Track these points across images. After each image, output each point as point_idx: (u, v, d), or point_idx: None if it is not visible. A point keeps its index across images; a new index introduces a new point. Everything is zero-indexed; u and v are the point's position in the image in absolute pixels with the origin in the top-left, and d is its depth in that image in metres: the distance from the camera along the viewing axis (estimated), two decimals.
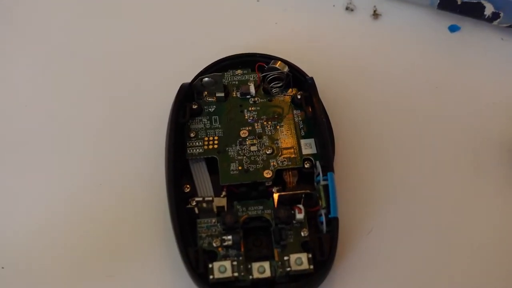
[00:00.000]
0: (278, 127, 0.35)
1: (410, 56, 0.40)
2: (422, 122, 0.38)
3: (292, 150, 0.34)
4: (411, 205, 0.35)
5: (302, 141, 0.34)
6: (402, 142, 0.37)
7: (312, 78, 0.36)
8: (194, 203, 0.32)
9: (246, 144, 0.34)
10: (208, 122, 0.35)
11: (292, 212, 0.32)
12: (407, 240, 0.34)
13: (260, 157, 0.34)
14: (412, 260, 0.33)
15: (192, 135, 0.34)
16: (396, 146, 0.37)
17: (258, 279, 0.30)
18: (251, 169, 0.33)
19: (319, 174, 0.33)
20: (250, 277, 0.30)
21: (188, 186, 0.33)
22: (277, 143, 0.34)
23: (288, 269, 0.30)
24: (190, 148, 0.34)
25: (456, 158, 0.36)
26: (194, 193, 0.33)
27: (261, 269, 0.30)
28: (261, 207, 0.32)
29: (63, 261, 0.33)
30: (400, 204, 0.35)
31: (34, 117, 0.38)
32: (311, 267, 0.30)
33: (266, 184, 0.33)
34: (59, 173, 0.36)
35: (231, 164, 0.33)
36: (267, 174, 0.33)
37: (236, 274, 0.30)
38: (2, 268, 0.32)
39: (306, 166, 0.33)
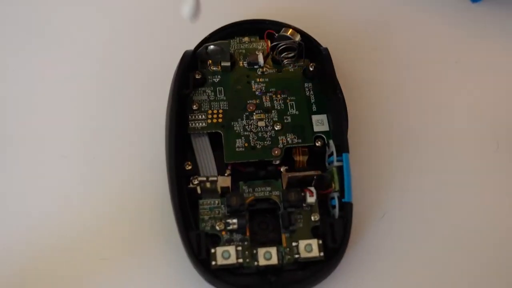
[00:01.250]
0: (288, 101, 0.32)
1: (429, 28, 0.38)
2: (442, 99, 0.35)
3: (303, 127, 0.32)
4: (426, 188, 0.32)
5: (314, 117, 0.32)
6: (419, 122, 0.34)
7: (326, 49, 0.33)
8: (196, 182, 0.30)
9: (253, 119, 0.32)
10: (212, 93, 0.33)
11: (303, 194, 0.30)
12: (422, 225, 0.31)
13: (268, 133, 0.31)
14: (429, 246, 0.31)
15: (195, 107, 0.32)
16: (413, 126, 0.34)
17: (264, 266, 0.28)
18: (258, 146, 0.31)
19: (332, 154, 0.30)
20: (256, 263, 0.28)
21: (189, 163, 0.31)
22: (287, 119, 0.32)
23: (297, 256, 0.28)
24: (193, 122, 0.32)
25: (477, 138, 0.34)
26: (196, 171, 0.31)
27: (268, 256, 0.28)
28: (268, 188, 0.30)
29: (57, 244, 0.30)
30: (415, 187, 0.32)
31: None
32: (322, 254, 0.28)
33: (274, 163, 0.31)
34: (55, 146, 0.33)
35: (237, 140, 0.31)
36: (276, 152, 0.31)
37: (240, 260, 0.28)
38: None
39: (317, 144, 0.31)
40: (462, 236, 0.31)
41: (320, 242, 0.28)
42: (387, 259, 0.30)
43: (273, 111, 0.32)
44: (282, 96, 0.33)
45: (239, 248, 0.28)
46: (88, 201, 0.31)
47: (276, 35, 0.34)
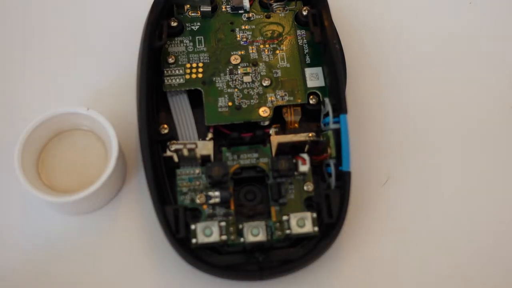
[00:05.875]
0: (277, 51, 0.30)
1: None
2: (450, 61, 0.32)
3: (295, 82, 0.29)
4: (433, 151, 0.30)
5: (307, 70, 0.29)
6: (424, 82, 0.32)
7: None
8: (173, 148, 0.27)
9: (238, 74, 0.29)
10: (191, 44, 0.30)
11: (294, 162, 0.27)
12: (429, 191, 0.29)
13: (255, 90, 0.29)
14: (437, 214, 0.28)
15: (170, 60, 0.29)
16: (418, 84, 0.32)
17: (251, 244, 0.26)
18: (243, 106, 0.28)
19: (328, 114, 0.27)
20: (242, 240, 0.26)
21: (165, 126, 0.28)
22: (276, 73, 0.29)
23: (288, 231, 0.26)
24: (169, 78, 0.29)
25: (488, 92, 0.31)
26: (173, 135, 0.28)
27: (255, 232, 0.26)
28: (256, 155, 0.28)
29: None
30: (421, 150, 0.30)
31: None
32: (316, 229, 0.26)
33: (262, 124, 0.28)
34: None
35: (219, 99, 0.29)
36: (264, 112, 0.28)
37: (224, 237, 0.26)
38: None
39: (311, 101, 0.29)
40: (479, 205, 0.29)
41: (315, 215, 0.26)
42: (390, 234, 0.28)
43: (260, 64, 0.30)
44: (271, 46, 0.30)
45: (223, 223, 0.26)
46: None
47: None
